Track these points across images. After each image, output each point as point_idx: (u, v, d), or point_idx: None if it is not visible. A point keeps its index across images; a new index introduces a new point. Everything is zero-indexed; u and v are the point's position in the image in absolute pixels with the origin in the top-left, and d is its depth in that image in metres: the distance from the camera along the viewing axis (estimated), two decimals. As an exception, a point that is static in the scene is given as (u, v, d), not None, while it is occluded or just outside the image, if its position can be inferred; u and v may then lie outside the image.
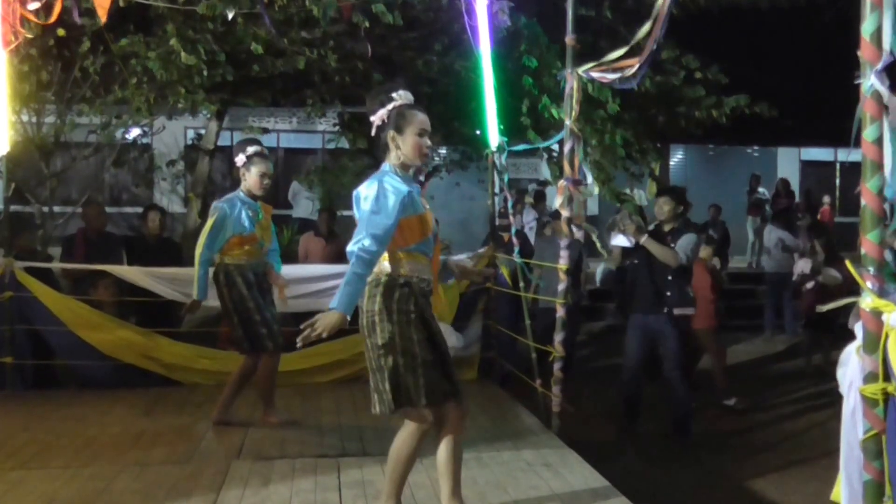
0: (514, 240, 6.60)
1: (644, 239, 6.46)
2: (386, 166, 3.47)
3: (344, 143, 13.46)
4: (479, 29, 6.39)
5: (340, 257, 9.67)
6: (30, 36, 6.33)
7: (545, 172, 13.78)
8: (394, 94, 3.47)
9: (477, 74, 6.67)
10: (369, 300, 3.40)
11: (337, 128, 14.07)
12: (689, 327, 7.08)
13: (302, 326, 3.15)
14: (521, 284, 6.48)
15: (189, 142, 15.25)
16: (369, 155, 12.01)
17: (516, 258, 6.39)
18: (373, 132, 3.49)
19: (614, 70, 4.76)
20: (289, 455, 4.82)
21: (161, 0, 6.90)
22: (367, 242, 3.22)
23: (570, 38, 5.28)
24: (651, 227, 6.70)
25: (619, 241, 6.57)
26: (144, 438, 5.22)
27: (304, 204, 14.34)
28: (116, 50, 8.17)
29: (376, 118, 3.46)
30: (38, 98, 9.03)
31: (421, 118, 3.47)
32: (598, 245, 6.93)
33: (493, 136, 6.66)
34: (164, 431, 5.39)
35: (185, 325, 7.46)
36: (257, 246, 5.40)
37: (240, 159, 5.33)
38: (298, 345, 3.21)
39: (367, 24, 7.02)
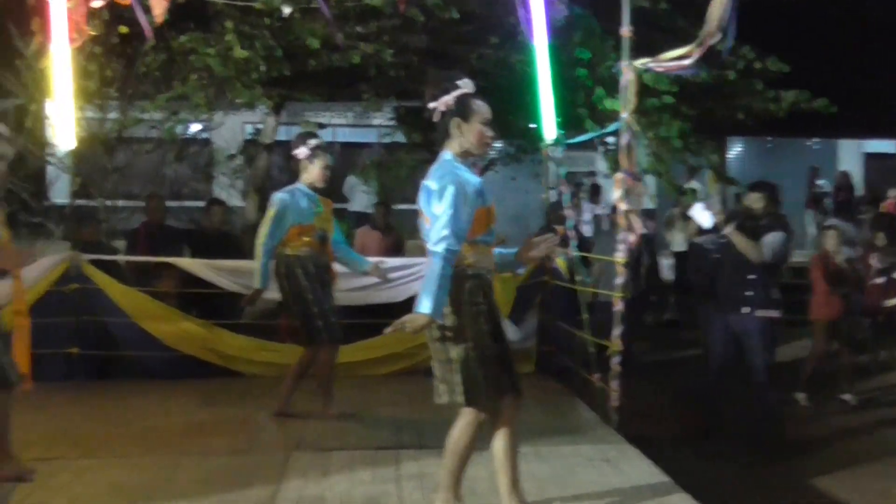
0: (570, 233, 6.54)
1: (730, 229, 6.09)
2: (447, 155, 3.45)
3: (400, 138, 13.49)
4: (535, 21, 6.34)
5: (397, 250, 9.72)
6: (94, 34, 6.45)
7: (601, 165, 13.64)
8: (458, 82, 3.44)
9: (532, 67, 6.63)
10: None
11: (392, 122, 14.11)
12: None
13: (388, 330, 3.20)
14: (578, 278, 6.43)
15: (247, 137, 15.44)
16: (425, 149, 12.02)
17: (573, 252, 6.33)
18: (435, 118, 3.44)
19: (674, 61, 4.69)
20: (347, 447, 4.86)
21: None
22: (451, 242, 3.20)
23: (625, 30, 5.22)
24: (737, 221, 6.32)
25: (699, 215, 6.22)
26: (206, 428, 5.32)
27: (361, 198, 14.42)
28: (176, 46, 8.31)
29: (440, 104, 3.42)
30: (101, 94, 9.23)
31: (486, 108, 3.46)
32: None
33: (549, 129, 6.60)
34: (224, 422, 5.48)
35: (246, 317, 7.56)
36: (317, 237, 5.44)
37: (302, 152, 5.37)
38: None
39: (422, 18, 7.01)
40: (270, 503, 3.92)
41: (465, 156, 3.46)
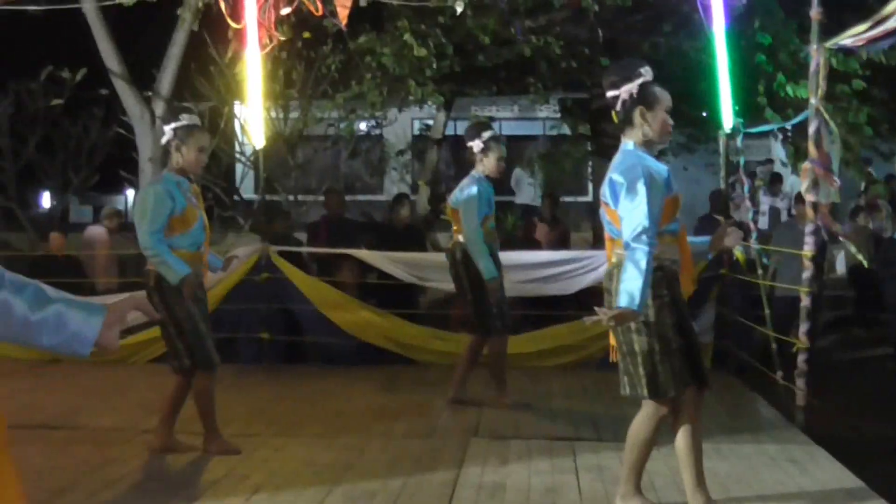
0: (750, 225, 6.32)
1: None
2: (629, 144, 3.42)
3: (565, 130, 13.47)
4: (713, 8, 6.16)
5: (564, 242, 9.72)
6: (283, 39, 6.86)
7: (779, 153, 13.04)
8: (642, 70, 3.41)
9: (708, 55, 6.44)
10: (620, 283, 3.41)
11: (558, 114, 14.11)
12: None
13: (590, 321, 3.20)
14: (760, 272, 6.21)
15: (416, 132, 15.89)
16: (591, 140, 11.95)
17: (754, 244, 6.12)
18: (617, 106, 3.41)
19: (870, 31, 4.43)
20: (523, 436, 4.94)
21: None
22: (650, 234, 3.20)
23: (815, 12, 4.98)
24: None
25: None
26: (387, 413, 5.55)
27: (527, 190, 14.52)
28: (355, 48, 8.67)
29: (622, 92, 3.39)
30: (284, 95, 9.79)
31: (668, 96, 3.43)
32: (860, 256, 6.31)
33: (727, 117, 6.40)
34: (403, 407, 5.70)
35: (421, 307, 7.83)
36: (493, 226, 5.55)
37: (476, 144, 5.47)
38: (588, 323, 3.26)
39: (596, 8, 6.97)
40: (453, 487, 4.05)
41: (647, 145, 3.43)
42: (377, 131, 14.32)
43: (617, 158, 3.43)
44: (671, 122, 3.42)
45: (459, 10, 6.48)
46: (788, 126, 9.70)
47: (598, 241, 11.26)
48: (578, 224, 13.62)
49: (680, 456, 3.56)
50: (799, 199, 8.62)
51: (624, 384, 3.50)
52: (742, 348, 6.81)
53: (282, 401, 5.90)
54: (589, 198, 15.65)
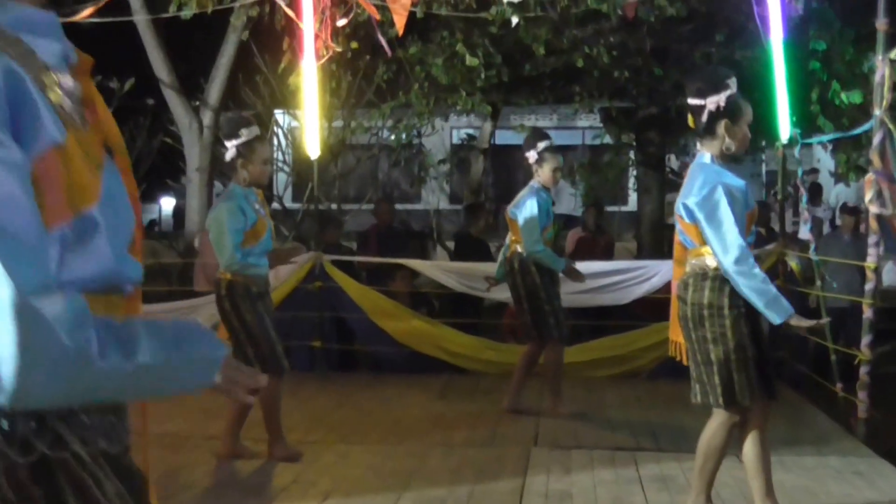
0: (811, 235, 6.28)
1: None
2: (706, 157, 3.41)
3: (607, 139, 13.45)
4: (771, 18, 6.14)
5: (608, 253, 9.70)
6: (339, 50, 6.94)
7: (825, 163, 12.91)
8: (729, 82, 3.38)
9: (760, 64, 6.41)
10: (696, 293, 3.41)
11: (599, 123, 14.10)
12: None
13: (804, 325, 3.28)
14: (819, 283, 6.16)
15: (456, 142, 15.94)
16: (636, 149, 11.92)
17: (813, 255, 6.08)
18: (702, 117, 3.37)
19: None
20: (585, 445, 4.95)
21: (454, 10, 7.31)
22: (745, 249, 3.23)
23: (881, 23, 4.96)
24: None
25: None
26: (444, 421, 5.58)
27: (567, 199, 14.54)
28: (405, 58, 8.75)
29: (708, 103, 3.35)
30: (331, 104, 9.91)
31: (750, 109, 3.41)
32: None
33: (784, 127, 6.37)
34: (460, 415, 5.72)
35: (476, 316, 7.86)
36: (551, 236, 5.59)
37: (531, 155, 5.51)
38: None
39: (651, 18, 6.99)
40: (520, 494, 4.08)
41: (724, 158, 3.42)
42: (417, 140, 14.42)
43: (693, 173, 3.42)
44: (750, 134, 3.42)
45: (515, 21, 6.54)
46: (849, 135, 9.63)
47: (641, 252, 11.27)
48: (621, 234, 13.60)
49: (748, 466, 3.55)
50: (844, 209, 8.63)
51: (696, 392, 3.51)
52: (798, 360, 6.75)
53: (339, 408, 5.96)
54: (631, 207, 15.61)
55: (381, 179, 16.10)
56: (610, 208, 12.73)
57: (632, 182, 14.33)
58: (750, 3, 6.36)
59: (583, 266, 7.37)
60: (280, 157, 12.16)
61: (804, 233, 6.67)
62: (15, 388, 0.95)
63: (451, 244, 11.77)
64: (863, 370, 5.16)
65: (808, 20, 7.82)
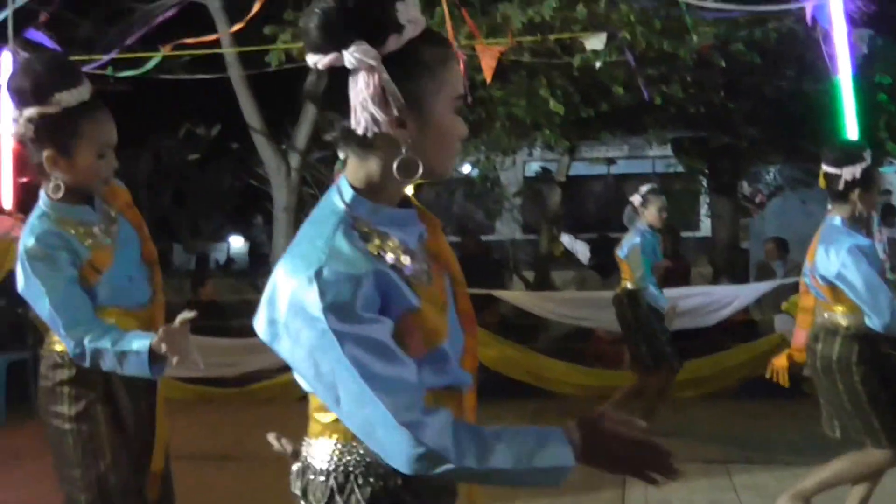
0: (885, 255, 6.55)
1: None
2: (837, 220, 3.67)
3: (678, 167, 13.77)
4: (839, 56, 6.48)
5: (684, 278, 10.02)
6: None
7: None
8: (865, 154, 3.68)
9: (830, 97, 6.71)
10: (826, 347, 3.70)
11: (669, 152, 14.43)
12: None
13: None
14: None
15: (529, 174, 16.43)
16: (707, 176, 12.23)
17: (889, 275, 6.35)
18: (838, 186, 3.65)
19: None
20: (677, 459, 5.27)
21: (537, 56, 7.83)
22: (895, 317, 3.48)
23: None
24: None
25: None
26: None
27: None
28: (489, 99, 9.28)
29: (844, 172, 3.63)
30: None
31: (881, 178, 3.83)
32: None
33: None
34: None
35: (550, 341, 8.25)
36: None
37: (636, 199, 6.03)
38: None
39: (723, 63, 7.40)
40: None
41: (854, 220, 3.69)
42: (493, 174, 14.94)
43: (825, 232, 3.70)
44: (878, 198, 3.77)
45: (598, 64, 7.01)
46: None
47: (717, 277, 11.52)
48: (695, 260, 13.84)
49: (852, 495, 3.85)
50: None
51: (834, 426, 3.78)
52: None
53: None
54: (704, 233, 15.84)
55: (455, 212, 16.64)
56: (683, 234, 13.00)
57: (704, 209, 14.60)
58: (818, 42, 6.72)
59: (672, 291, 7.80)
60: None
61: (879, 253, 6.90)
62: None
63: (528, 273, 12.24)
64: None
65: (872, 57, 8.13)
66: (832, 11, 6.05)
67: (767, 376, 4.13)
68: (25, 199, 5.45)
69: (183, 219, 20.00)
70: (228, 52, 8.84)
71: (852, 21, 6.05)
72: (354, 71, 1.44)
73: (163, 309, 2.75)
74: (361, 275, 1.42)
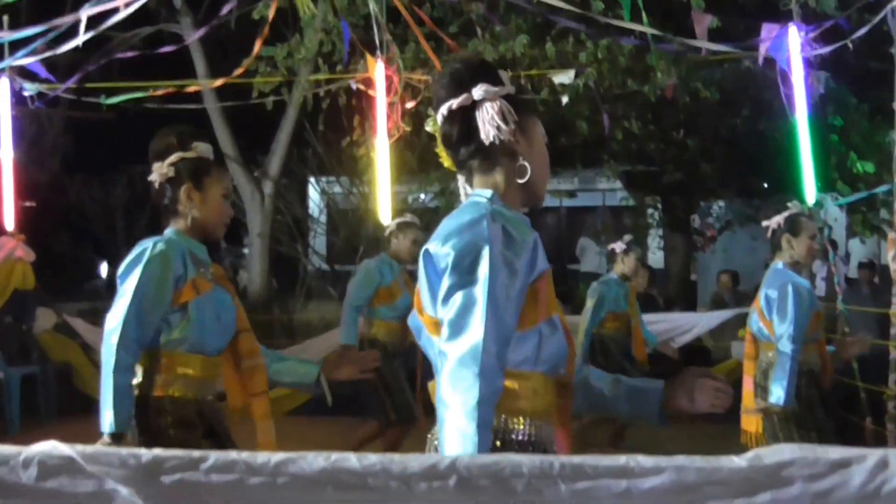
0: (838, 289, 7.01)
1: None
2: (779, 264, 4.02)
3: (631, 201, 14.23)
4: (796, 96, 6.92)
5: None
6: (408, 129, 7.76)
7: (840, 220, 13.69)
8: (789, 204, 4.11)
9: (784, 135, 7.16)
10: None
11: (618, 185, 14.90)
12: None
13: None
14: (846, 329, 6.85)
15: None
16: (661, 211, 12.69)
17: (840, 305, 6.78)
18: (769, 234, 4.07)
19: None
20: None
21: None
22: (797, 342, 3.80)
23: (897, 103, 5.76)
24: None
25: None
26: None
27: (592, 258, 15.18)
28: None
29: (772, 223, 4.07)
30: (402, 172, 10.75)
31: (813, 225, 4.07)
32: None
33: (810, 191, 7.11)
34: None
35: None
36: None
37: (619, 246, 6.48)
38: None
39: (687, 99, 7.81)
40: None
41: (794, 265, 4.02)
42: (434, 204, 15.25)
43: (769, 276, 4.04)
44: (818, 246, 4.08)
45: (565, 100, 7.36)
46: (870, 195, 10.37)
47: (671, 306, 11.93)
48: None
49: None
50: (862, 265, 9.47)
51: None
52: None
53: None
54: (655, 265, 16.33)
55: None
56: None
57: (656, 241, 15.09)
58: (774, 82, 7.16)
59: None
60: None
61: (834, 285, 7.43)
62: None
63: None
64: (891, 405, 5.82)
65: (825, 99, 8.67)
66: (791, 52, 6.45)
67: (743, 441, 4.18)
68: (27, 221, 5.55)
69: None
70: (207, 84, 9.00)
71: (808, 63, 6.46)
72: (481, 102, 1.88)
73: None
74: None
